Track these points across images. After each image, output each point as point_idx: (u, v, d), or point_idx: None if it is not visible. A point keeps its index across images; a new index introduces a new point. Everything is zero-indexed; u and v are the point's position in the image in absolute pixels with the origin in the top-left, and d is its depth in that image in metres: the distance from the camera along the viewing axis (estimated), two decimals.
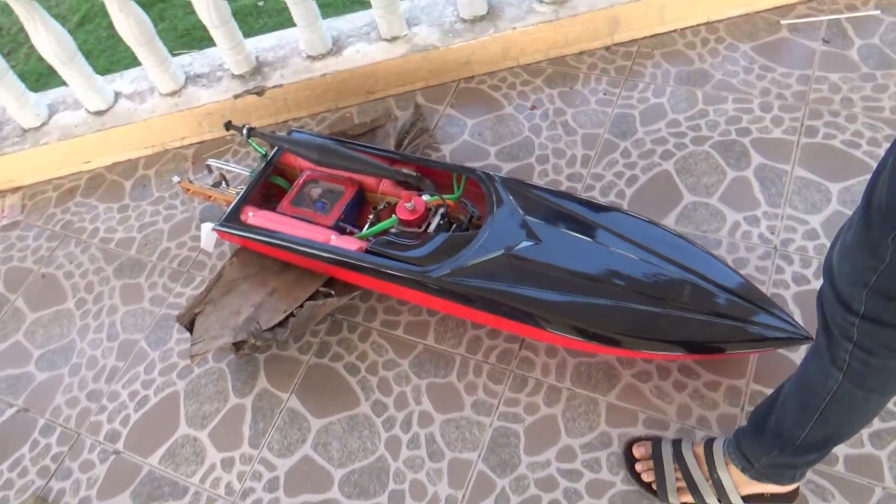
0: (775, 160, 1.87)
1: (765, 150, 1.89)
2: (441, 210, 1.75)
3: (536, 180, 1.97)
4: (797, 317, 1.60)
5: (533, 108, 2.14)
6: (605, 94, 2.11)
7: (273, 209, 1.87)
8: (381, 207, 1.85)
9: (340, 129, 2.10)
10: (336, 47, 2.25)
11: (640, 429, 1.53)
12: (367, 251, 1.70)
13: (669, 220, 1.82)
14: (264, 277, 1.83)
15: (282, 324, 1.73)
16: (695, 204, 1.84)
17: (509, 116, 2.14)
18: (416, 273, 1.61)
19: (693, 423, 1.52)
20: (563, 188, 1.95)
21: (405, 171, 1.80)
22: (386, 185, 1.87)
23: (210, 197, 1.99)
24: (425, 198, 1.74)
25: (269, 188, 1.96)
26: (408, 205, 1.72)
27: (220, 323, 1.74)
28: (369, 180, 1.87)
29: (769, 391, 1.43)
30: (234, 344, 1.71)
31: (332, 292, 1.79)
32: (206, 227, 1.87)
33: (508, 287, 1.55)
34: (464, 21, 2.21)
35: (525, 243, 1.60)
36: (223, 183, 2.00)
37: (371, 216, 1.81)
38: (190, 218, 2.15)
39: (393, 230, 1.75)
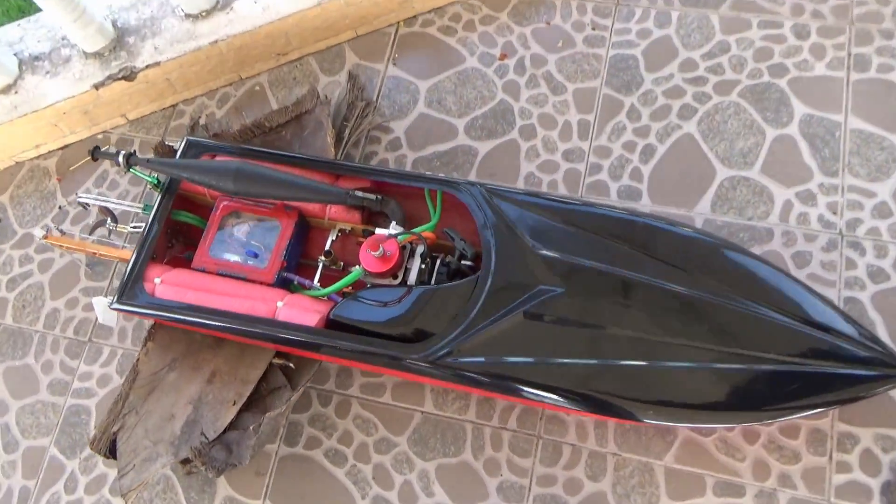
0: (823, 108, 1.48)
1: (808, 94, 1.49)
2: (420, 250, 1.30)
3: (527, 166, 1.53)
4: (879, 328, 1.30)
5: (503, 57, 1.64)
6: (593, 29, 1.62)
7: (188, 263, 1.38)
8: (334, 239, 1.39)
9: (254, 121, 1.55)
10: (223, 1, 1.63)
11: (710, 497, 1.25)
12: (330, 322, 1.26)
13: (704, 207, 1.44)
14: (196, 359, 1.38)
15: (235, 424, 1.31)
16: (732, 181, 1.45)
17: (474, 72, 1.64)
18: (403, 353, 1.20)
19: (773, 483, 1.24)
20: (562, 171, 1.52)
21: (359, 193, 1.33)
22: (336, 209, 1.39)
23: (94, 253, 1.46)
24: (395, 235, 1.28)
25: (174, 224, 1.44)
26: (375, 253, 1.26)
27: (151, 437, 1.31)
28: (311, 205, 1.39)
29: (861, 431, 1.17)
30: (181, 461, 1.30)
31: (291, 364, 1.37)
32: (100, 304, 1.37)
33: (533, 361, 1.17)
34: None
35: (546, 294, 1.20)
36: (108, 220, 1.46)
37: (323, 259, 1.35)
38: (75, 263, 1.62)
39: (364, 290, 1.30)
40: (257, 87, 1.72)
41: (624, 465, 1.29)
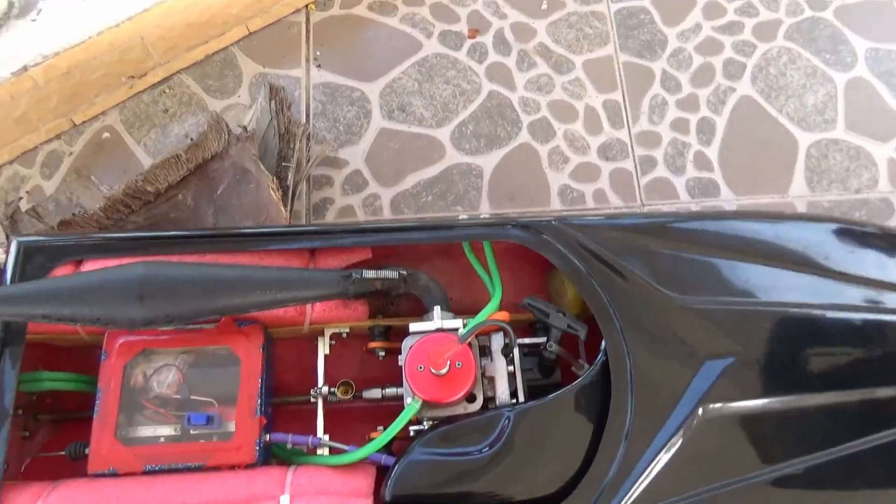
0: (885, 39, 1.18)
1: (863, 23, 1.19)
2: (499, 344, 0.79)
3: (557, 177, 1.07)
4: None
5: (474, 33, 1.16)
6: None
7: (79, 465, 0.75)
8: (327, 353, 0.83)
9: (127, 187, 0.93)
10: (23, 6, 0.98)
11: None
12: None
13: (799, 187, 1.08)
14: None
15: None
16: (819, 147, 1.11)
17: (440, 60, 1.14)
18: None
19: None
20: (605, 176, 1.08)
21: (370, 273, 0.79)
22: (324, 307, 0.83)
23: None
24: (462, 334, 0.76)
25: (27, 400, 0.80)
26: (440, 371, 0.73)
27: None
28: (278, 310, 0.82)
29: None
30: None
31: None
32: None
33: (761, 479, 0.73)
34: None
35: (718, 371, 0.76)
36: None
37: (331, 392, 0.80)
38: None
39: (419, 425, 0.77)
40: (106, 135, 1.08)
41: None
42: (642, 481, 0.71)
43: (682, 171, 1.08)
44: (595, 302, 0.77)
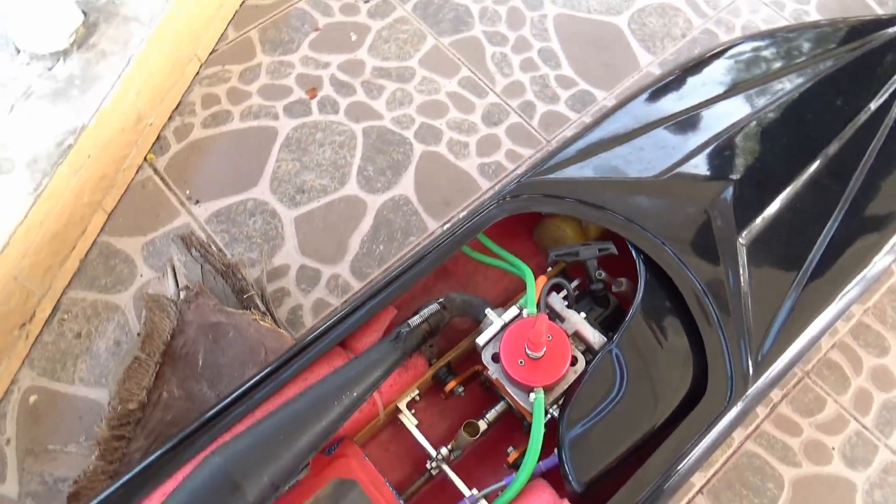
0: None
1: None
2: (559, 298, 0.80)
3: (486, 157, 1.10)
4: None
5: (313, 93, 1.16)
6: (366, 1, 1.24)
7: None
8: (417, 424, 0.79)
9: (110, 421, 0.81)
10: None
11: None
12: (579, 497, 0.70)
13: (643, 58, 1.20)
14: None
15: None
16: (634, 20, 1.24)
17: (302, 130, 1.12)
18: (718, 406, 0.72)
19: None
20: (503, 135, 1.13)
21: (416, 318, 0.77)
22: (388, 385, 0.79)
23: None
24: (526, 311, 0.75)
25: None
26: (537, 353, 0.72)
27: None
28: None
29: None
30: None
31: None
32: None
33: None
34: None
35: (724, 203, 0.83)
36: None
37: (465, 434, 0.76)
38: None
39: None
40: (33, 398, 0.94)
41: None
42: (750, 335, 0.76)
43: (556, 99, 1.16)
44: (608, 219, 0.81)
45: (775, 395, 0.95)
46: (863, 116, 0.90)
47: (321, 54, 1.19)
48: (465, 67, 1.18)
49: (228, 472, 0.63)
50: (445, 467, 0.77)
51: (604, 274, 0.81)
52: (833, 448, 0.93)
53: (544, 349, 0.72)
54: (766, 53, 1.00)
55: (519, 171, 1.01)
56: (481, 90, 1.16)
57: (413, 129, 1.12)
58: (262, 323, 0.84)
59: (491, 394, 0.82)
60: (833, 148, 0.88)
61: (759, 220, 0.83)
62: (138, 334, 0.86)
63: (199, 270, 0.91)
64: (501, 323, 0.77)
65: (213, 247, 0.94)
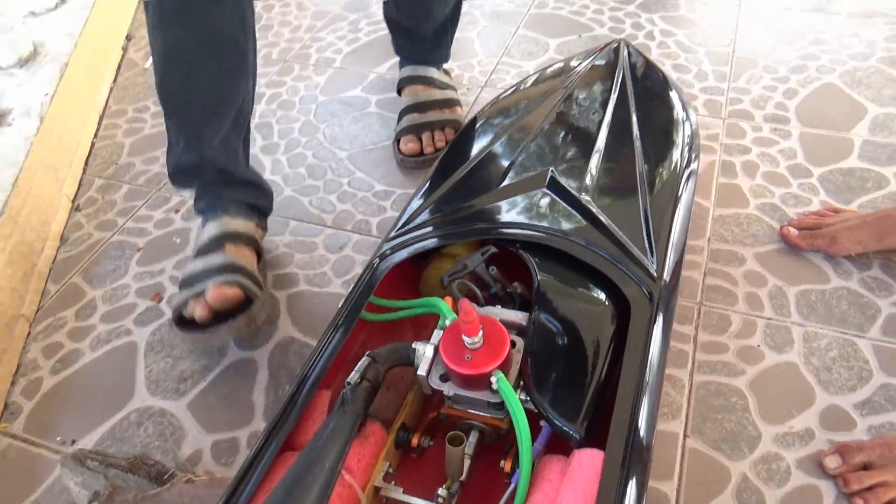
0: None
1: None
2: (478, 293, 0.83)
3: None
4: None
5: (158, 298, 1.14)
6: (176, 212, 1.28)
7: None
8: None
9: None
10: None
11: None
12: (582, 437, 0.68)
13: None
14: None
15: None
16: None
17: (158, 336, 1.08)
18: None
19: None
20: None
21: (355, 375, 0.74)
22: (356, 465, 0.73)
23: None
24: (445, 321, 0.77)
25: None
26: (476, 340, 0.73)
27: None
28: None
29: None
30: None
31: None
32: None
33: None
34: None
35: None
36: None
37: (452, 445, 0.70)
38: None
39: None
40: None
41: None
42: (634, 250, 0.84)
43: (383, 210, 1.26)
44: (479, 231, 0.88)
45: (689, 330, 1.02)
46: (613, 94, 1.11)
47: (152, 266, 1.19)
48: (292, 221, 1.25)
49: None
50: (451, 500, 0.71)
51: (495, 270, 0.86)
52: (758, 345, 1.00)
53: (481, 332, 0.73)
54: (542, 81, 1.21)
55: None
56: (315, 231, 1.23)
57: (269, 283, 1.14)
58: (195, 480, 0.75)
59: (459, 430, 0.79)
60: (607, 117, 1.07)
61: (588, 181, 0.95)
62: None
63: (102, 480, 0.80)
64: (433, 346, 0.77)
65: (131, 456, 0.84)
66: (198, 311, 0.96)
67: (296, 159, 1.40)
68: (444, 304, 0.82)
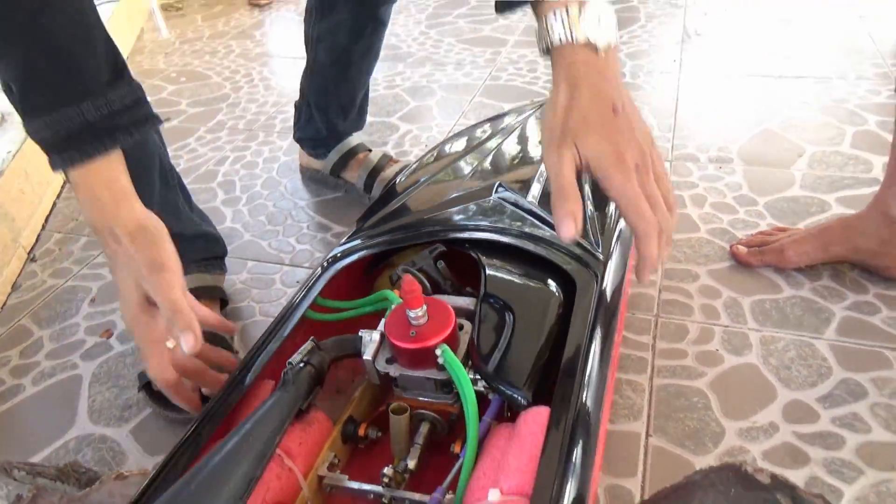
0: None
1: None
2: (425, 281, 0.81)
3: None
4: None
5: (108, 334, 1.11)
6: None
7: None
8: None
9: None
10: None
11: None
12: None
13: None
14: None
15: None
16: None
17: (108, 366, 1.04)
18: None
19: None
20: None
21: (296, 356, 0.72)
22: (299, 451, 0.69)
23: None
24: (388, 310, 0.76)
25: None
26: (419, 316, 0.71)
27: None
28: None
29: None
30: None
31: None
32: None
33: None
34: None
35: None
36: None
37: (396, 414, 0.67)
38: None
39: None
40: None
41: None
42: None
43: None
44: (428, 234, 0.90)
45: (647, 339, 1.02)
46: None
47: (104, 306, 1.17)
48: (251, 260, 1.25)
49: None
50: (401, 493, 0.67)
51: (442, 263, 0.86)
52: (717, 350, 0.99)
53: (424, 307, 0.72)
54: (485, 124, 1.26)
55: None
56: (273, 269, 1.23)
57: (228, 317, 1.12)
58: (126, 475, 0.70)
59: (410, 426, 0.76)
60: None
61: (534, 190, 0.98)
62: None
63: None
64: (379, 331, 0.76)
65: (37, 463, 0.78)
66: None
67: (256, 209, 1.42)
68: (393, 294, 0.81)
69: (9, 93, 0.68)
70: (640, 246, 0.64)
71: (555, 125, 0.66)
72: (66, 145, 0.66)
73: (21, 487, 0.74)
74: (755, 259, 1.14)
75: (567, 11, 0.66)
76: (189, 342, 0.66)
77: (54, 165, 0.68)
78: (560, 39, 0.67)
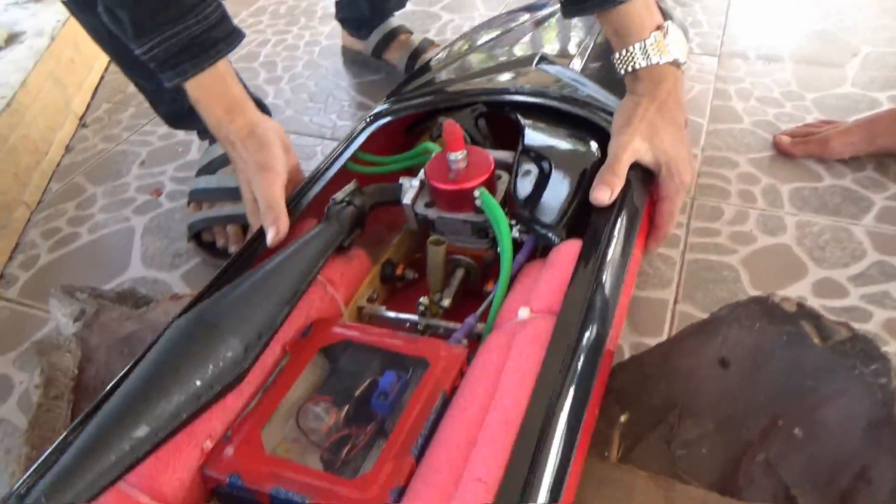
0: None
1: None
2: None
3: None
4: None
5: (157, 192, 1.16)
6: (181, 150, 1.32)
7: None
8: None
9: None
10: None
11: None
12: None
13: None
14: None
15: None
16: None
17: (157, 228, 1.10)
18: None
19: None
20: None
21: (340, 194, 0.76)
22: (342, 281, 0.73)
23: None
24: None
25: None
26: (460, 158, 0.73)
27: None
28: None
29: None
30: None
31: None
32: None
33: None
34: None
35: None
36: None
37: (434, 245, 0.71)
38: None
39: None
40: None
41: None
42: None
43: None
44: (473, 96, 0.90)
45: (681, 219, 1.02)
46: None
47: (153, 168, 1.22)
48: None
49: (204, 318, 0.55)
50: (436, 321, 0.71)
51: (483, 122, 0.87)
52: (751, 230, 1.00)
53: (465, 151, 0.74)
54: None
55: None
56: (314, 142, 1.25)
57: None
58: (181, 296, 0.75)
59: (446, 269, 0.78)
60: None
61: (575, 64, 0.97)
62: (36, 386, 0.71)
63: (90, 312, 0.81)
64: (419, 178, 0.78)
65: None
66: (232, 247, 0.97)
67: (298, 88, 1.43)
68: (435, 146, 0.83)
69: (112, 18, 0.70)
70: (651, 241, 0.81)
71: (636, 116, 0.73)
72: (176, 60, 0.70)
73: (84, 306, 0.80)
74: (798, 149, 1.13)
75: (654, 38, 0.73)
76: (272, 235, 0.72)
77: (168, 80, 0.73)
78: (649, 63, 0.74)
